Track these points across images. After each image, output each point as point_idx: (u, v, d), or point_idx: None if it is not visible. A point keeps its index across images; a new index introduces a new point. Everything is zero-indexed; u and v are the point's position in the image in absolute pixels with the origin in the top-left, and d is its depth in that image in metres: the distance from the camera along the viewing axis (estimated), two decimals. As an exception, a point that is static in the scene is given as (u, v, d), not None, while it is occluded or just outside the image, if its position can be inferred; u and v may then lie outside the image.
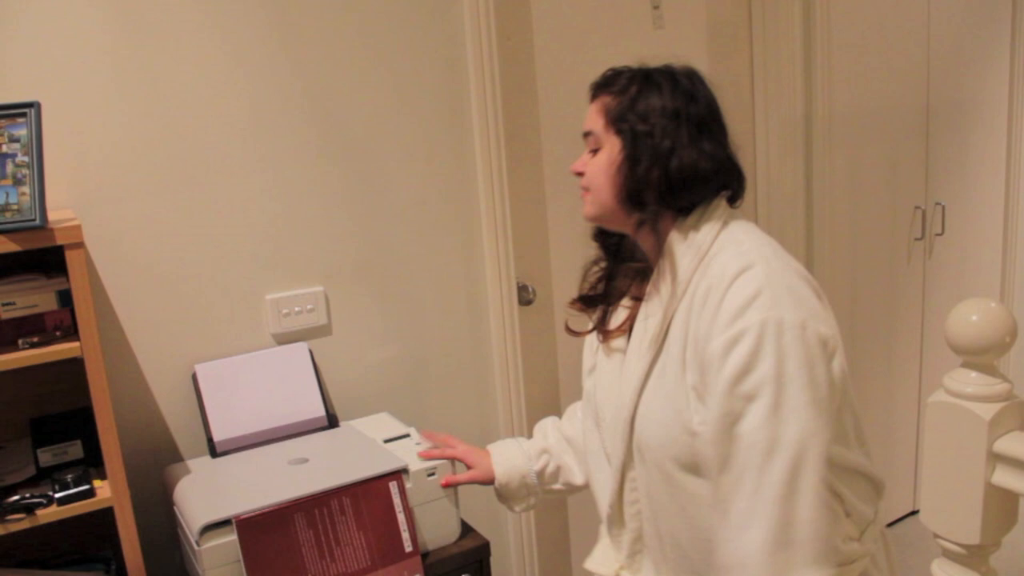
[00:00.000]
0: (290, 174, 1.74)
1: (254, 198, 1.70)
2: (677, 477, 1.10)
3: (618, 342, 1.23)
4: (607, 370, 1.24)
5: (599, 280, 1.30)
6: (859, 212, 2.68)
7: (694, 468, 1.08)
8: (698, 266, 1.10)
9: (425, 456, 1.48)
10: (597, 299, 1.29)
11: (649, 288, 1.17)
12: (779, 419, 0.98)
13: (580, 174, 1.21)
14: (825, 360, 1.01)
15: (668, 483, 1.12)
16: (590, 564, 1.32)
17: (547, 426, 1.50)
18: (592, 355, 1.30)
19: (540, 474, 1.44)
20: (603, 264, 1.30)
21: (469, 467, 1.49)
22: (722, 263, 1.07)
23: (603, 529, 1.29)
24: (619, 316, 1.25)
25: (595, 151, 1.19)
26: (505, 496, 1.47)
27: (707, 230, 1.12)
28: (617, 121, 1.16)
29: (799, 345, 0.99)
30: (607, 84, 1.20)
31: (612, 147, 1.16)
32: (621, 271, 1.27)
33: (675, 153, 1.12)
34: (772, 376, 0.98)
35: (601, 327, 1.27)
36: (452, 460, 1.49)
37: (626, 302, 1.26)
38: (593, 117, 1.20)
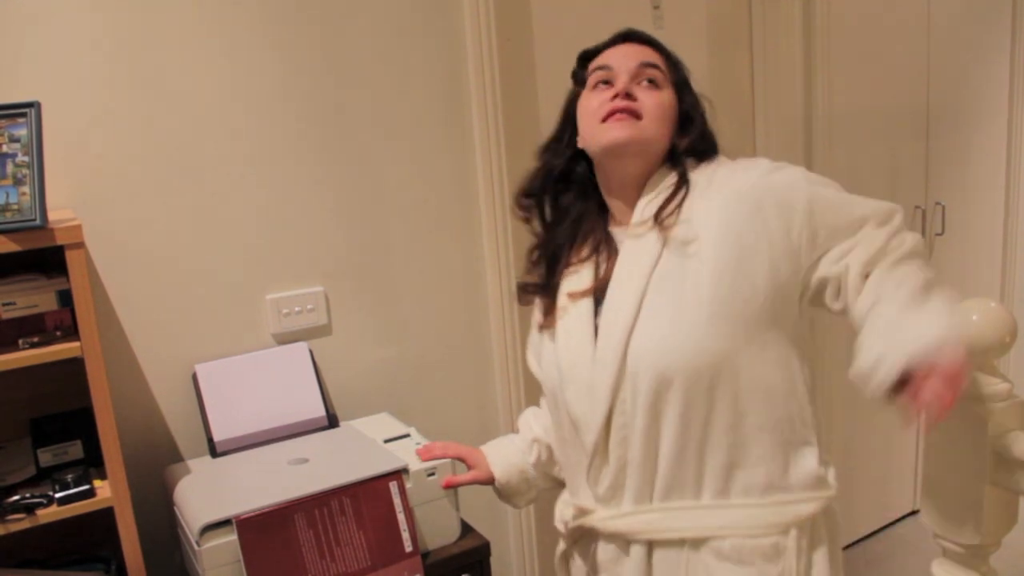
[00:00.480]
0: (290, 174, 1.74)
1: (254, 198, 1.70)
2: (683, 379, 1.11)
3: (565, 304, 1.25)
4: (572, 316, 1.23)
5: (541, 257, 1.32)
6: (859, 212, 2.67)
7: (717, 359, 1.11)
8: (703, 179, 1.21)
9: (425, 457, 1.48)
10: (547, 278, 1.30)
11: (636, 217, 1.21)
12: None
13: (632, 97, 1.20)
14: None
15: (669, 390, 1.12)
16: (558, 518, 1.31)
17: (529, 417, 1.49)
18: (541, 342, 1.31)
19: (536, 464, 1.43)
20: (541, 239, 1.33)
21: (470, 467, 1.48)
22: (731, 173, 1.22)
23: (569, 482, 1.30)
24: (576, 280, 1.25)
25: (653, 84, 1.23)
26: (507, 494, 1.46)
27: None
28: (674, 72, 1.27)
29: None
30: (652, 41, 1.30)
31: (670, 93, 1.24)
32: (559, 236, 1.30)
33: (698, 106, 1.28)
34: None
35: (548, 293, 1.28)
36: (453, 460, 1.49)
37: (577, 265, 1.27)
38: (654, 55, 1.26)
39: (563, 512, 1.31)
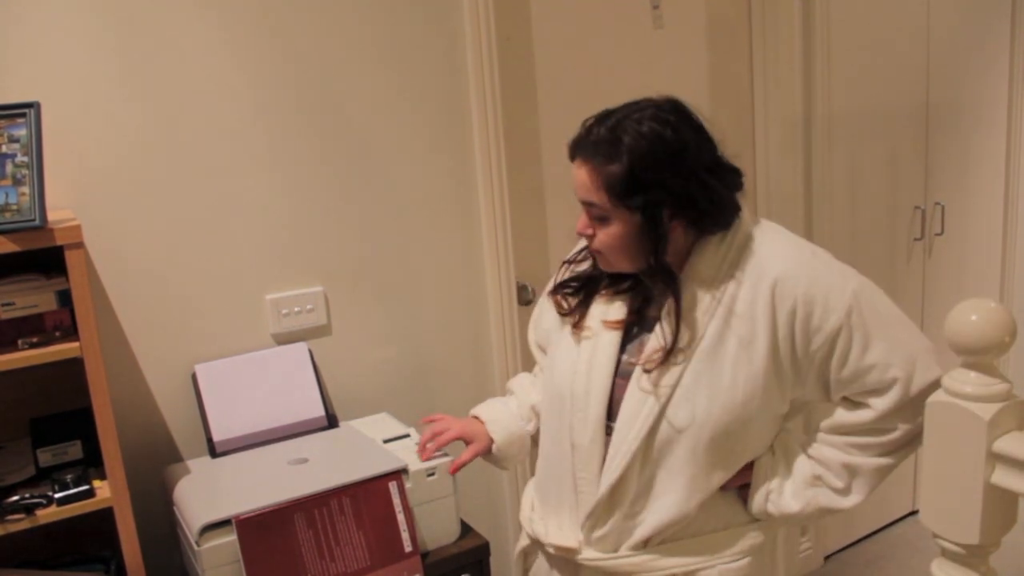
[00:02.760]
0: (289, 174, 1.74)
1: (253, 198, 1.70)
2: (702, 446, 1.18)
3: (597, 328, 1.26)
4: (600, 344, 1.25)
5: (586, 277, 1.31)
6: (859, 212, 2.68)
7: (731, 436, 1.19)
8: (738, 264, 1.19)
9: (425, 456, 1.48)
10: (580, 290, 1.31)
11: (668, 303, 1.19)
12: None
13: (592, 235, 1.20)
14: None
15: (692, 456, 1.19)
16: (525, 517, 1.37)
17: (525, 383, 1.50)
18: (554, 331, 1.33)
19: (535, 433, 1.43)
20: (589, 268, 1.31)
21: (468, 443, 1.47)
22: (768, 259, 1.20)
23: (543, 495, 1.34)
24: (612, 309, 1.26)
25: (599, 221, 1.17)
26: (500, 459, 1.46)
27: (740, 239, 1.22)
28: (624, 197, 1.13)
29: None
30: (595, 149, 1.14)
31: (623, 220, 1.15)
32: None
33: (693, 198, 1.15)
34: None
35: (579, 313, 1.29)
36: (452, 442, 1.48)
37: (610, 295, 1.28)
38: (590, 188, 1.15)
39: (534, 526, 1.34)
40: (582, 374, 1.24)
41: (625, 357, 1.24)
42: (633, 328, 1.25)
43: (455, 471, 1.47)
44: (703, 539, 1.24)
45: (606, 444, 1.22)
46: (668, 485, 1.20)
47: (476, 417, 1.49)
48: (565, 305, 1.31)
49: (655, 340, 1.20)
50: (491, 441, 1.45)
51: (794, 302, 1.16)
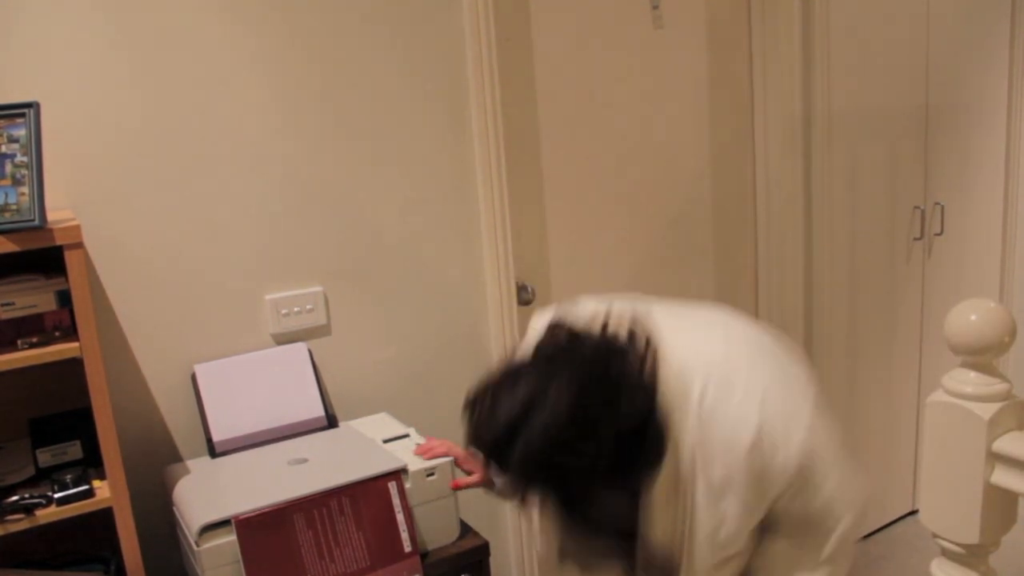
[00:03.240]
0: (289, 174, 1.74)
1: (253, 198, 1.70)
2: None
3: None
4: None
5: None
6: (858, 212, 2.68)
7: None
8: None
9: (428, 456, 1.48)
10: None
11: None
12: None
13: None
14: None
15: None
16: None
17: None
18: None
19: None
20: None
21: (466, 471, 1.48)
22: (723, 449, 1.03)
23: None
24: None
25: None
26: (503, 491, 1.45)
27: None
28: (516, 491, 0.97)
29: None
30: (489, 448, 0.94)
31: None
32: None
33: (612, 512, 1.03)
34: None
35: None
36: (453, 459, 1.49)
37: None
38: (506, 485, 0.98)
39: None
40: None
41: None
42: None
43: (455, 488, 1.47)
44: None
45: None
46: None
47: None
48: None
49: None
50: None
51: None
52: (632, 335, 0.99)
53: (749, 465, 1.03)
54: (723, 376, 1.05)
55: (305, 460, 1.50)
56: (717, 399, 1.03)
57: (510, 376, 0.95)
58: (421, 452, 1.50)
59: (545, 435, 0.89)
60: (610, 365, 0.94)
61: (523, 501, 1.01)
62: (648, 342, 0.99)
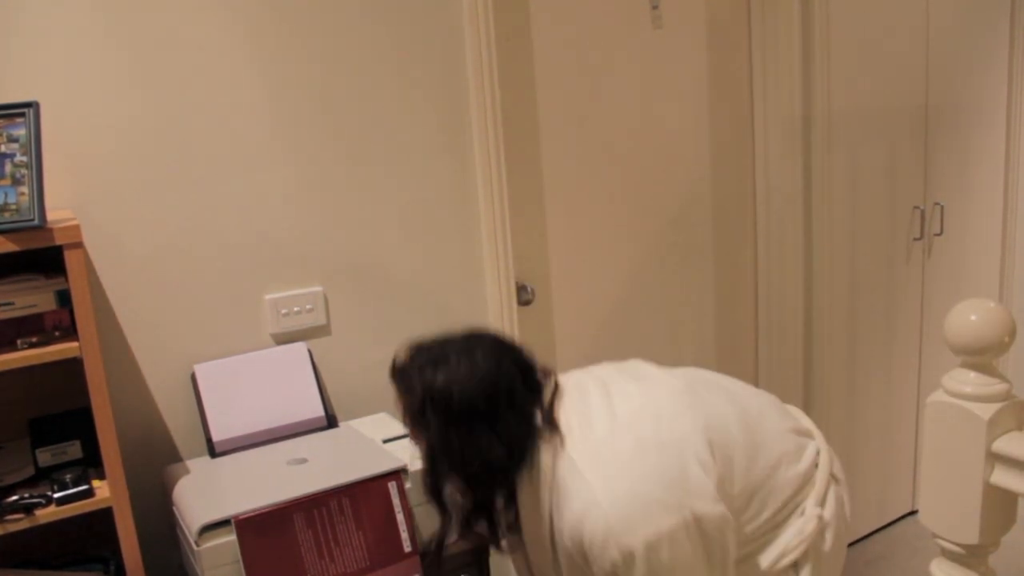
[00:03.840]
0: (289, 174, 1.74)
1: (253, 198, 1.70)
2: None
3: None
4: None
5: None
6: (858, 212, 2.68)
7: None
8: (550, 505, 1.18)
9: None
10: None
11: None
12: None
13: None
14: (684, 543, 1.12)
15: None
16: None
17: None
18: None
19: None
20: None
21: None
22: (568, 512, 1.14)
23: None
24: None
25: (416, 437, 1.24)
26: None
27: (553, 482, 1.17)
28: (413, 426, 1.22)
29: (654, 560, 1.11)
30: (399, 379, 1.23)
31: (422, 444, 1.22)
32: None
33: (465, 456, 1.17)
34: None
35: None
36: None
37: None
38: (400, 412, 1.24)
39: None
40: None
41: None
42: None
43: None
44: None
45: None
46: None
47: None
48: None
49: None
50: None
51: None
52: (547, 371, 1.26)
53: (583, 542, 1.13)
54: (599, 454, 1.16)
55: (305, 460, 1.50)
56: (580, 473, 1.14)
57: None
58: None
59: (441, 356, 1.19)
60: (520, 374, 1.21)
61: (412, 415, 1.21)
62: (555, 384, 1.24)
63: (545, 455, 1.17)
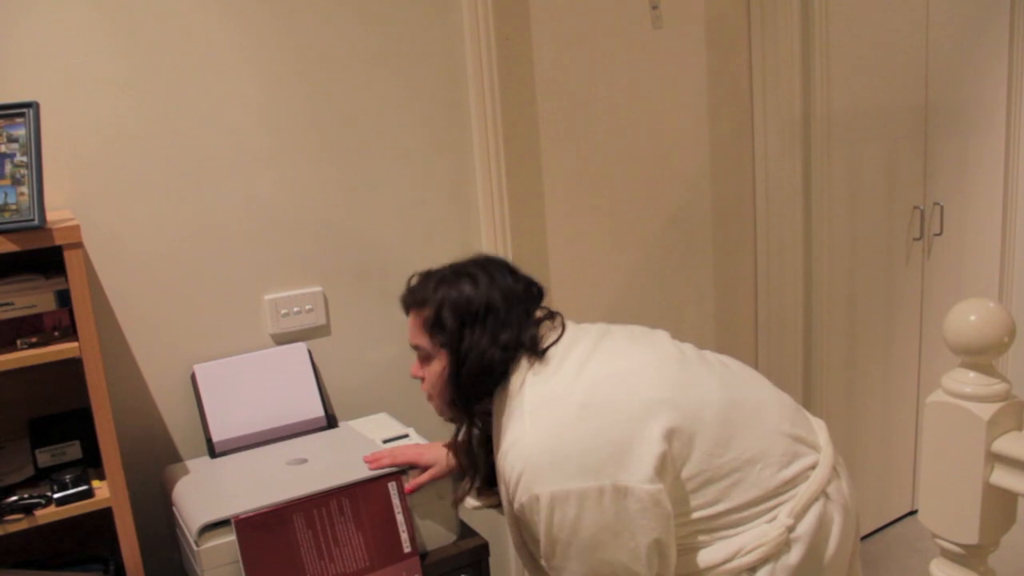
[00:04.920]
0: (288, 174, 1.74)
1: (252, 198, 1.70)
2: None
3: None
4: None
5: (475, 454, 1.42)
6: (858, 212, 2.68)
7: None
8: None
9: (373, 466, 1.44)
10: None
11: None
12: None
13: (421, 379, 1.37)
14: (594, 509, 1.15)
15: None
16: None
17: None
18: None
19: None
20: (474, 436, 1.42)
21: (424, 468, 1.45)
22: (502, 441, 1.23)
23: None
24: None
25: (426, 360, 1.34)
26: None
27: (507, 406, 1.26)
28: (432, 335, 1.31)
29: (558, 513, 1.15)
30: (414, 298, 1.34)
31: (441, 359, 1.31)
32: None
33: (471, 355, 1.27)
34: (547, 542, 1.19)
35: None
36: (394, 465, 1.44)
37: None
38: (416, 332, 1.34)
39: None
40: None
41: None
42: None
43: (410, 491, 1.43)
44: None
45: None
46: None
47: None
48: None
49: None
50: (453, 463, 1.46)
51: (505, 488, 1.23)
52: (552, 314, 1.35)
53: (503, 473, 1.21)
54: (545, 399, 1.22)
55: (305, 460, 1.50)
56: (524, 409, 1.22)
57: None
58: (368, 461, 1.45)
59: (450, 274, 1.34)
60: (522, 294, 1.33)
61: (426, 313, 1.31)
62: (556, 318, 1.34)
63: (516, 376, 1.26)
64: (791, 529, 1.22)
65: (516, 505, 1.19)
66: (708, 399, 1.24)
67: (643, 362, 1.26)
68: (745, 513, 1.23)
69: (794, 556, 1.22)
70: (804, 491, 1.25)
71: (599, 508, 1.14)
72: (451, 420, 1.38)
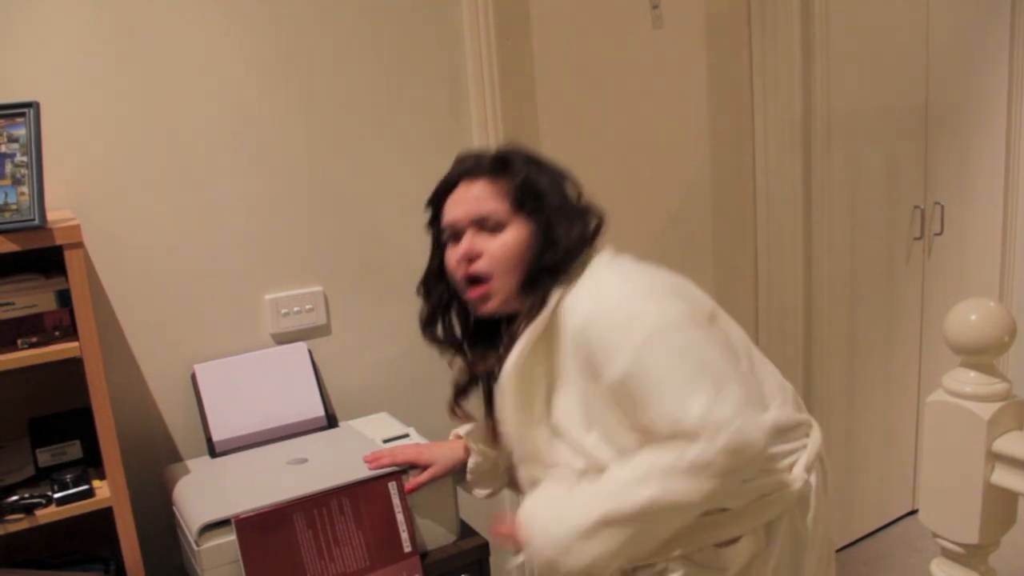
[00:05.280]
0: (289, 174, 1.74)
1: (253, 198, 1.70)
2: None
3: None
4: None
5: (472, 375, 1.34)
6: (858, 212, 2.68)
7: None
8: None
9: (373, 465, 1.43)
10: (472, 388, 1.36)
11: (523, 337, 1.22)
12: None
13: (475, 259, 1.24)
14: (689, 324, 1.15)
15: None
16: None
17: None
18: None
19: (508, 455, 1.42)
20: (464, 357, 1.36)
21: (424, 467, 1.44)
22: (583, 294, 1.20)
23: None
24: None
25: (495, 229, 1.24)
26: (474, 479, 1.46)
27: (584, 277, 1.22)
28: (519, 205, 1.23)
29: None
30: (491, 167, 1.26)
31: (518, 227, 1.23)
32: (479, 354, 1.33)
33: (572, 226, 1.24)
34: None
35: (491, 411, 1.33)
36: (394, 465, 1.43)
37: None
38: (487, 198, 1.24)
39: None
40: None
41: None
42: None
43: (410, 491, 1.42)
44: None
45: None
46: None
47: (458, 436, 1.47)
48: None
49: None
50: (463, 457, 1.44)
51: (586, 351, 1.17)
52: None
53: (593, 322, 1.17)
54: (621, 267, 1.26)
55: (305, 460, 1.50)
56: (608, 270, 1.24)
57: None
58: (368, 460, 1.45)
59: (509, 154, 1.28)
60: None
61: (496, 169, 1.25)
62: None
63: (597, 258, 1.25)
64: (807, 482, 1.24)
65: (612, 346, 1.13)
66: (739, 334, 1.29)
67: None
68: (777, 448, 1.23)
69: (811, 512, 1.24)
70: (811, 446, 1.27)
71: (693, 325, 1.14)
72: (494, 309, 1.26)
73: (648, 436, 1.11)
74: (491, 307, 1.26)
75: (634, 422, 1.14)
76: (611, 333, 1.13)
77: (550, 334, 1.21)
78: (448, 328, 1.37)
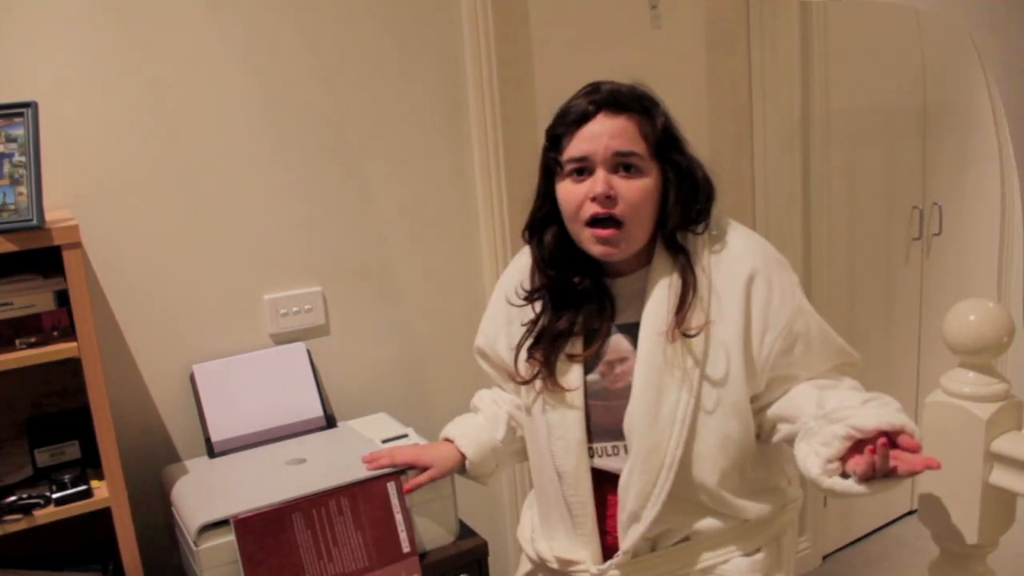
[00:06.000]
0: (288, 174, 1.73)
1: (252, 198, 1.70)
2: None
3: (574, 376, 1.23)
4: (569, 376, 1.24)
5: (547, 328, 1.25)
6: (857, 212, 2.68)
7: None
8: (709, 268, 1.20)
9: (372, 466, 1.42)
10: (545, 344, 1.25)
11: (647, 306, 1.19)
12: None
13: (612, 198, 1.14)
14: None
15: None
16: (526, 539, 1.39)
17: (485, 398, 1.50)
18: (529, 392, 1.28)
19: (504, 441, 1.43)
20: (545, 312, 1.26)
21: (423, 468, 1.42)
22: (734, 243, 1.22)
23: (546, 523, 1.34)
24: (569, 345, 1.24)
25: (633, 171, 1.15)
26: (476, 475, 1.45)
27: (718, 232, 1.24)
28: (660, 152, 1.17)
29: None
30: (637, 103, 1.17)
31: (655, 175, 1.17)
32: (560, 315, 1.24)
33: (702, 173, 1.22)
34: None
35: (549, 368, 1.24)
36: (393, 466, 1.42)
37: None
38: (632, 136, 1.14)
39: (536, 545, 1.35)
40: (554, 411, 1.24)
41: (591, 378, 1.24)
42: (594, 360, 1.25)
43: (408, 491, 1.41)
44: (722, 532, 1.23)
45: (590, 466, 1.24)
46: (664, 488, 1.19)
47: (447, 439, 1.46)
48: (533, 370, 1.25)
49: (637, 332, 1.20)
50: (460, 459, 1.42)
51: (764, 296, 1.18)
52: None
53: (759, 267, 1.21)
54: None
55: (304, 460, 1.50)
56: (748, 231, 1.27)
57: None
58: (366, 461, 1.44)
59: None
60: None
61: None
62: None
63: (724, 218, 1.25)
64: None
65: (783, 291, 1.19)
66: None
67: None
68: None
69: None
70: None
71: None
72: (618, 256, 1.18)
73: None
74: (616, 253, 1.17)
75: (780, 373, 1.20)
76: (782, 283, 1.19)
77: (693, 288, 1.18)
78: (562, 272, 1.24)
